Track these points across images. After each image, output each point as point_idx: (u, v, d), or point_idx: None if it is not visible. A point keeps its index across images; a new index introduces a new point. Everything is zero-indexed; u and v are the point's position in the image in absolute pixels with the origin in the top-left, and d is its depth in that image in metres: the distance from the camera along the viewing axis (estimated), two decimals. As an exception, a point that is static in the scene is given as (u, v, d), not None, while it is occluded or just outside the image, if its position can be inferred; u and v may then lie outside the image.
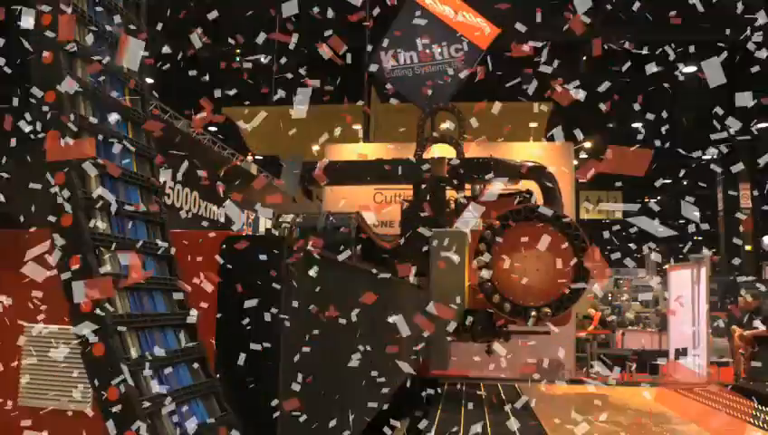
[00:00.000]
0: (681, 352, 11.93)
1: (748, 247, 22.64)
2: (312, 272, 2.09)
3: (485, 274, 3.97)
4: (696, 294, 11.78)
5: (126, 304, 1.54)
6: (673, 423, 4.00)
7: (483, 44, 5.66)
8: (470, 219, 4.22)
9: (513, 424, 3.87)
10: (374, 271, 3.28)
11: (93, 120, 1.61)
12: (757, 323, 10.77)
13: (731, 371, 12.05)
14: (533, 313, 3.93)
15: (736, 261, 22.44)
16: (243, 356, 1.75)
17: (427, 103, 5.68)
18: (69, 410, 1.85)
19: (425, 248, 4.38)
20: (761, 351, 11.78)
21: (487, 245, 4.05)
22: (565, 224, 3.94)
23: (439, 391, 5.12)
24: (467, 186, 5.65)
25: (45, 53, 1.52)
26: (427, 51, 5.72)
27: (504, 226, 4.04)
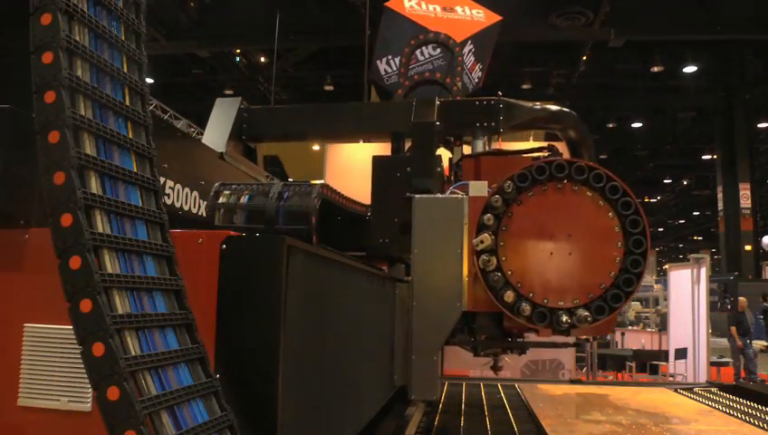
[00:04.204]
0: (681, 353, 11.96)
1: (748, 247, 22.67)
2: (312, 271, 2.09)
3: (493, 259, 2.70)
4: (695, 294, 11.82)
5: (126, 304, 1.54)
6: (673, 423, 4.00)
7: (457, 37, 5.63)
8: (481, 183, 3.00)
9: (513, 424, 3.87)
10: (373, 270, 3.25)
11: (93, 119, 1.61)
12: None
13: (731, 371, 12.10)
14: (565, 317, 2.63)
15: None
16: (243, 356, 1.75)
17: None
18: (69, 410, 1.85)
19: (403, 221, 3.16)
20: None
21: (497, 217, 2.72)
22: (611, 187, 2.66)
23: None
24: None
25: (45, 53, 1.52)
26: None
27: (522, 189, 2.71)
